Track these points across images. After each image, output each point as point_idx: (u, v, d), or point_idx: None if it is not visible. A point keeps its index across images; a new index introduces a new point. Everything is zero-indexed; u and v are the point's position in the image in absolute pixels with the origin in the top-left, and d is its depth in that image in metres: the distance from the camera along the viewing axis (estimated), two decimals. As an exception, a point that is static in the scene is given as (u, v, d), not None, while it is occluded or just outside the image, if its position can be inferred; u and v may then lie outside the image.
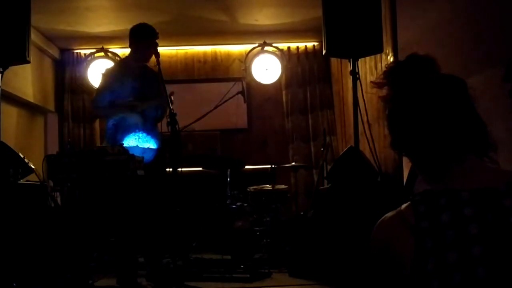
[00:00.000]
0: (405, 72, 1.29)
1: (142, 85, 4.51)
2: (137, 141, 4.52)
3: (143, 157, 4.22)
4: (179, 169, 4.29)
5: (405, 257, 1.15)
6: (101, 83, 4.80)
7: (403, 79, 1.28)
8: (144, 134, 4.56)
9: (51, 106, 7.26)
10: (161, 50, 4.76)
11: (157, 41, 4.56)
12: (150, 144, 4.54)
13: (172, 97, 4.37)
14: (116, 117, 4.56)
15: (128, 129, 4.55)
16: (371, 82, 1.35)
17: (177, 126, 4.32)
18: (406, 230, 1.17)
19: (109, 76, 4.77)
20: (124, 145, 4.47)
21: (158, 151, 4.52)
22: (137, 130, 4.54)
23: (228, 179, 5.68)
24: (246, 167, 6.06)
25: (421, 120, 1.25)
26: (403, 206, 1.22)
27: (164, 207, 4.43)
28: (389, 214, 1.24)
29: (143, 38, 4.57)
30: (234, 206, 5.41)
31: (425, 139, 1.25)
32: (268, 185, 5.82)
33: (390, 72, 1.31)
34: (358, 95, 4.17)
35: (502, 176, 1.20)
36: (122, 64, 4.84)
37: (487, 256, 1.08)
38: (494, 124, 1.30)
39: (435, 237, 1.13)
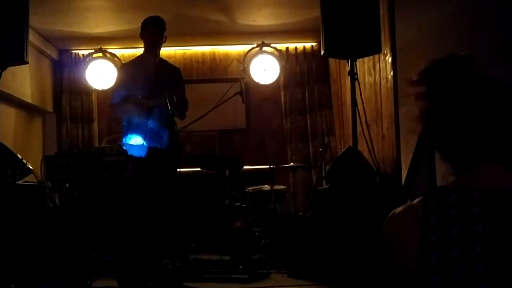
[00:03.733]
0: (445, 70, 1.28)
1: (157, 81, 4.51)
2: (144, 140, 4.52)
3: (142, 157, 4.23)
4: (178, 170, 4.30)
5: (411, 250, 1.16)
6: (115, 79, 4.89)
7: (439, 77, 1.28)
8: (153, 132, 4.55)
9: (49, 106, 7.26)
10: (160, 50, 4.78)
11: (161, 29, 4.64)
12: (158, 143, 4.54)
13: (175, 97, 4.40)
14: (128, 115, 4.59)
15: (137, 127, 4.56)
16: (405, 79, 1.34)
17: (175, 127, 4.33)
18: (414, 223, 1.18)
19: (122, 72, 4.87)
20: (130, 144, 4.49)
21: (168, 151, 4.50)
22: (145, 128, 4.54)
23: (227, 180, 5.67)
24: (245, 167, 6.06)
25: (452, 118, 1.25)
26: (415, 200, 1.23)
27: (163, 208, 4.43)
28: (400, 208, 1.26)
29: (142, 29, 4.68)
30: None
31: (457, 137, 1.25)
32: (266, 186, 5.81)
33: (428, 70, 1.30)
34: (356, 96, 4.18)
35: None
36: (137, 59, 4.88)
37: (489, 254, 1.09)
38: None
39: (440, 232, 1.14)
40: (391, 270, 1.23)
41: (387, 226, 1.26)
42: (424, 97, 1.29)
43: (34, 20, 5.06)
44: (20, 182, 4.60)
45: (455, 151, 1.26)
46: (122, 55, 7.13)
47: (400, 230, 1.22)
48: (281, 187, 5.96)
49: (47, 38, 6.91)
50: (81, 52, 7.31)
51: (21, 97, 6.32)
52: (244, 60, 7.07)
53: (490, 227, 1.12)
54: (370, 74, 5.40)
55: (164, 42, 4.70)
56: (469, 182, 1.21)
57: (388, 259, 1.24)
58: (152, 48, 4.65)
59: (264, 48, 6.99)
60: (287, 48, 7.35)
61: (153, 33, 4.61)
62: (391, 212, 1.27)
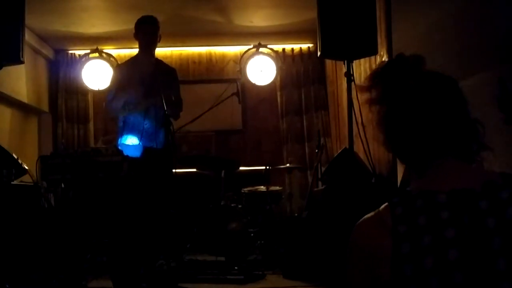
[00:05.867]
0: (394, 72, 1.27)
1: (153, 81, 4.51)
2: (140, 140, 4.51)
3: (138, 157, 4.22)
4: (174, 170, 4.29)
5: (383, 260, 1.14)
6: (111, 79, 4.90)
7: (392, 78, 1.27)
8: (149, 132, 4.54)
9: (45, 106, 7.24)
10: (156, 50, 4.77)
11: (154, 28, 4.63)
12: (154, 143, 4.53)
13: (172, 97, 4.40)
14: (124, 115, 4.59)
15: (133, 127, 4.56)
16: (357, 86, 1.34)
17: (171, 127, 4.33)
18: (383, 232, 1.16)
19: (117, 72, 4.87)
20: (126, 144, 4.48)
21: (163, 151, 4.49)
22: (140, 128, 4.54)
23: (223, 180, 5.67)
24: (241, 168, 6.06)
25: (409, 118, 1.24)
26: (382, 207, 1.21)
27: (158, 208, 4.42)
28: (368, 215, 1.24)
29: (135, 29, 4.67)
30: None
31: (412, 137, 1.25)
32: (262, 186, 5.81)
33: (379, 73, 1.30)
34: (352, 97, 4.18)
35: (480, 177, 1.19)
36: (132, 59, 4.87)
37: (463, 261, 1.08)
38: (486, 125, 1.30)
39: (412, 242, 1.12)
40: (364, 279, 1.21)
41: (357, 235, 1.24)
42: (378, 102, 1.28)
43: (30, 20, 5.05)
44: (15, 182, 4.58)
45: (415, 151, 1.25)
46: (119, 55, 7.13)
47: (370, 240, 1.19)
48: (277, 188, 5.96)
49: (43, 38, 6.90)
50: (77, 52, 7.30)
51: (16, 97, 6.30)
52: (241, 61, 7.07)
53: (461, 231, 1.10)
54: (366, 76, 5.39)
55: (159, 41, 4.70)
56: (434, 185, 1.19)
57: (360, 268, 1.22)
58: (147, 47, 4.65)
59: (261, 49, 7.00)
60: (283, 49, 7.35)
61: (147, 32, 4.60)
62: (360, 220, 1.25)
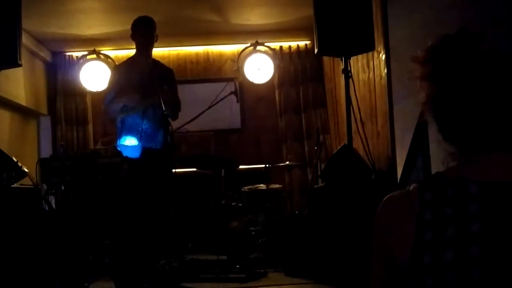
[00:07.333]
0: (453, 48, 1.19)
1: (150, 82, 4.51)
2: (139, 140, 4.51)
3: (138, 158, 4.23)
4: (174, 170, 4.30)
5: (405, 244, 1.11)
6: (109, 81, 4.91)
7: (446, 55, 1.18)
8: (147, 133, 4.54)
9: (43, 109, 7.24)
10: (153, 51, 4.78)
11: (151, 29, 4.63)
12: (153, 143, 4.53)
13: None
14: (122, 116, 4.60)
15: (131, 128, 4.56)
16: (412, 57, 1.24)
17: (170, 127, 4.33)
18: (410, 216, 1.12)
19: (115, 73, 4.88)
20: (124, 145, 4.49)
21: (163, 152, 4.50)
22: (139, 129, 4.54)
23: (223, 180, 5.67)
24: (240, 167, 6.07)
25: (459, 101, 1.15)
26: (412, 187, 1.16)
27: (159, 209, 4.42)
28: (396, 193, 1.19)
29: (132, 30, 4.67)
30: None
31: (460, 121, 1.16)
32: (262, 185, 5.82)
33: (436, 48, 1.21)
34: (350, 93, 4.19)
35: None
36: (129, 60, 4.88)
37: (485, 258, 1.03)
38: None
39: (435, 231, 1.08)
40: (382, 259, 1.18)
41: (383, 212, 1.20)
42: (430, 78, 1.19)
43: (27, 23, 5.04)
44: (15, 185, 4.59)
45: (461, 136, 1.17)
46: (116, 56, 7.12)
47: (394, 221, 1.16)
48: (277, 186, 5.96)
49: (40, 40, 6.89)
50: (74, 54, 7.30)
51: (15, 100, 6.30)
52: (238, 60, 7.07)
53: (488, 227, 1.05)
54: (364, 72, 5.40)
55: (156, 41, 4.70)
56: (469, 172, 1.13)
57: (380, 248, 1.19)
58: (144, 48, 4.65)
59: (258, 47, 6.99)
60: (281, 47, 7.34)
61: (143, 34, 4.61)
62: (387, 197, 1.20)
